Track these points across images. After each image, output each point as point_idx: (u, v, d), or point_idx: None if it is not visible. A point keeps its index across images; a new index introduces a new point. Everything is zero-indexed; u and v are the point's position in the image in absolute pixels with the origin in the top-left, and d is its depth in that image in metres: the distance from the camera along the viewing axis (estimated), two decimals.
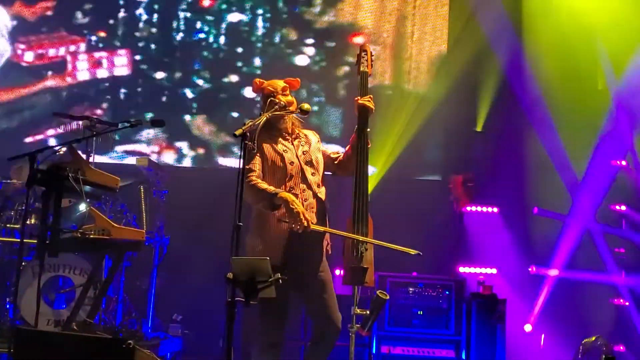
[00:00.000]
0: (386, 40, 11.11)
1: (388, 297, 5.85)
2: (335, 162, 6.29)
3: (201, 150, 10.86)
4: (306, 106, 6.04)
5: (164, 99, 11.04)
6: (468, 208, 10.25)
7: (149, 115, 10.76)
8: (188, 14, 11.10)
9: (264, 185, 5.83)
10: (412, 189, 10.77)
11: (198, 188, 10.37)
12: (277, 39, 11.12)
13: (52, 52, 10.92)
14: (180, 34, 11.09)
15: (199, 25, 11.10)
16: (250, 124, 5.58)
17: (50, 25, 11.01)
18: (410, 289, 9.03)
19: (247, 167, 5.81)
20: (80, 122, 8.81)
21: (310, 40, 11.11)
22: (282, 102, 5.97)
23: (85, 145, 8.48)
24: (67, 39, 10.96)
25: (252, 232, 5.99)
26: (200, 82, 11.05)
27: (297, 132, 6.20)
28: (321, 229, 5.89)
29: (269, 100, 6.01)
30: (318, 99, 10.90)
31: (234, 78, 10.96)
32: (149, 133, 10.89)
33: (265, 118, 5.78)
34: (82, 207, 7.74)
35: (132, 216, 9.03)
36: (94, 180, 6.83)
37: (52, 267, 8.17)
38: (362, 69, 6.32)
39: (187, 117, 10.99)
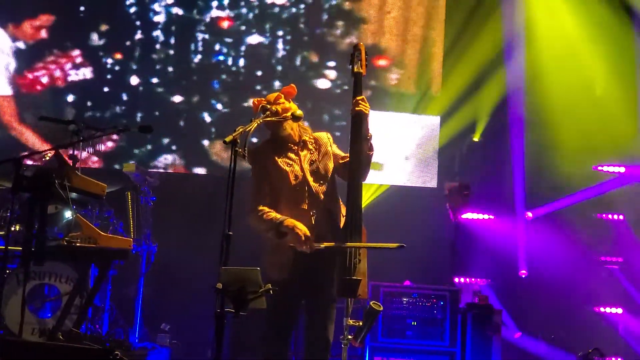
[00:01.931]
0: (409, 63, 11.13)
1: (382, 309, 5.85)
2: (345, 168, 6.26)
3: (220, 175, 10.81)
4: (298, 112, 6.04)
5: (181, 123, 11.02)
6: (464, 216, 10.27)
7: (166, 140, 10.84)
8: (206, 36, 11.04)
9: (270, 214, 5.93)
10: (407, 196, 10.79)
11: (187, 195, 10.39)
12: (297, 62, 11.09)
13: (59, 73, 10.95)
14: (198, 56, 11.03)
15: (217, 47, 11.04)
16: (241, 130, 5.59)
17: (66, 47, 10.99)
18: (404, 299, 9.02)
19: (254, 195, 6.02)
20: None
21: (332, 63, 11.08)
22: (273, 108, 5.97)
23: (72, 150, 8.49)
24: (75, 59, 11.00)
25: (265, 249, 6.10)
26: (219, 106, 11.01)
27: (305, 139, 6.20)
28: (321, 246, 5.88)
29: (260, 107, 6.02)
30: (340, 124, 10.89)
31: None
32: (166, 158, 10.91)
33: (256, 124, 5.78)
34: (68, 214, 7.76)
35: (119, 223, 9.03)
36: (81, 187, 6.83)
37: (38, 275, 8.14)
38: (356, 69, 6.23)
39: (206, 142, 10.98)
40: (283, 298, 5.74)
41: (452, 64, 11.01)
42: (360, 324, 5.81)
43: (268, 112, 5.94)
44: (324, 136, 6.31)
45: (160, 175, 9.92)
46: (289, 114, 6.04)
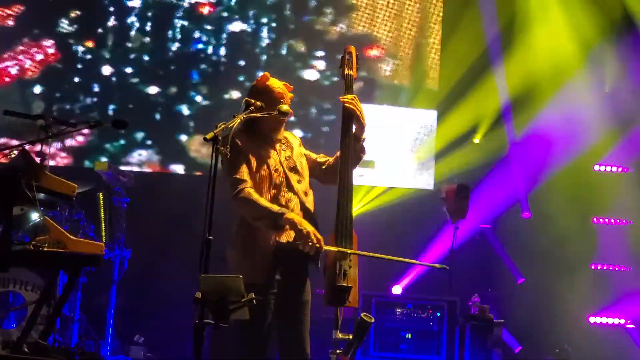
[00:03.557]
0: (404, 54, 11.16)
1: (373, 321, 5.85)
2: (323, 168, 6.30)
3: (198, 173, 10.86)
4: (285, 107, 6.02)
5: (157, 116, 11.04)
6: (463, 220, 10.28)
7: (141, 135, 10.86)
8: (185, 23, 11.06)
9: (264, 202, 5.83)
10: (402, 198, 10.81)
11: (163, 196, 10.38)
12: (283, 51, 11.11)
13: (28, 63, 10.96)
14: (176, 45, 11.04)
15: (197, 35, 11.08)
16: (222, 127, 5.59)
17: (34, 34, 11.02)
18: (398, 310, 9.04)
19: (236, 177, 5.88)
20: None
21: (320, 53, 11.11)
22: (257, 103, 5.98)
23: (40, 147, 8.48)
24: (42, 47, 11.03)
25: (235, 248, 5.99)
26: (198, 98, 11.03)
27: (279, 135, 6.21)
28: (334, 249, 5.83)
29: (244, 100, 6.02)
30: (328, 118, 10.94)
31: (235, 94, 10.94)
32: (140, 154, 10.94)
33: (239, 120, 5.79)
34: (35, 216, 7.75)
35: (90, 227, 9.02)
36: (49, 187, 6.80)
37: (2, 282, 8.15)
38: (346, 71, 6.28)
39: (184, 137, 11.01)
40: (256, 308, 5.49)
41: (451, 55, 11.04)
42: (351, 337, 5.81)
43: (252, 108, 5.94)
44: (292, 135, 6.37)
45: (134, 175, 9.91)
46: (274, 111, 6.06)
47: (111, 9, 11.04)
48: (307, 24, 11.16)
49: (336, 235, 5.87)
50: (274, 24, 11.09)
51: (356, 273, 5.88)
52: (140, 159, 10.86)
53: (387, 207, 10.59)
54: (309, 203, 6.13)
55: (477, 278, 10.35)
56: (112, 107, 10.97)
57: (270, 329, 5.97)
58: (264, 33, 11.08)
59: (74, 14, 11.02)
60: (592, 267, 10.55)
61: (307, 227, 5.76)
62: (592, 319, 10.31)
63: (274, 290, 5.88)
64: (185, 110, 10.97)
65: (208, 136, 5.51)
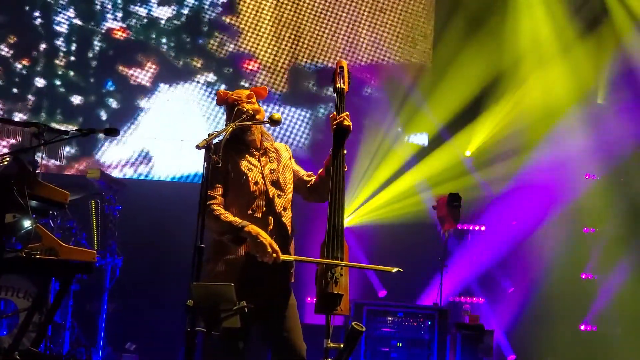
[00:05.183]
0: None
1: (364, 329, 5.84)
2: (308, 186, 6.27)
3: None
4: (277, 116, 5.96)
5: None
6: (454, 229, 10.30)
7: None
8: (103, 44, 11.69)
9: (229, 217, 5.79)
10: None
11: (155, 204, 10.38)
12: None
13: None
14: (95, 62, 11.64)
15: (111, 53, 11.64)
16: (214, 135, 5.58)
17: None
18: (389, 319, 9.03)
19: (209, 192, 5.81)
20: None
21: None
22: (250, 111, 5.97)
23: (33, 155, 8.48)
24: None
25: (210, 259, 5.92)
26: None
27: (267, 146, 6.21)
28: (291, 258, 5.86)
29: (235, 109, 6.01)
30: None
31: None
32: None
33: (231, 128, 5.76)
34: (28, 223, 7.74)
35: (82, 234, 9.01)
36: (42, 195, 6.81)
37: None
38: (338, 85, 6.29)
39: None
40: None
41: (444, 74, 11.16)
42: (342, 346, 5.80)
43: (244, 116, 5.93)
44: (284, 148, 6.33)
45: (126, 183, 9.91)
46: (260, 116, 6.05)
47: (43, 33, 11.56)
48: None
49: (327, 244, 5.86)
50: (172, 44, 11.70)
51: (347, 281, 5.87)
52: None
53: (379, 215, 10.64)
54: (287, 218, 6.07)
55: (468, 285, 10.37)
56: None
57: (246, 334, 5.92)
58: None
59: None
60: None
61: (265, 238, 5.72)
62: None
63: (248, 297, 5.54)
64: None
65: (200, 144, 5.49)
